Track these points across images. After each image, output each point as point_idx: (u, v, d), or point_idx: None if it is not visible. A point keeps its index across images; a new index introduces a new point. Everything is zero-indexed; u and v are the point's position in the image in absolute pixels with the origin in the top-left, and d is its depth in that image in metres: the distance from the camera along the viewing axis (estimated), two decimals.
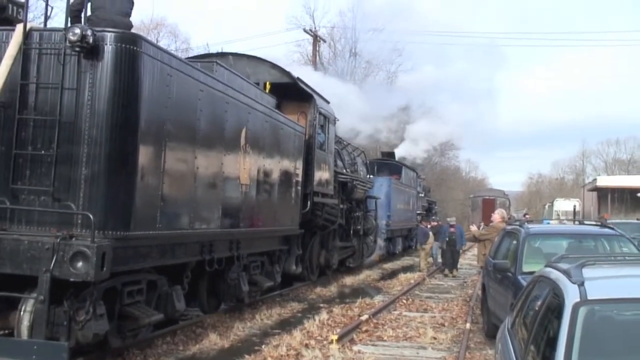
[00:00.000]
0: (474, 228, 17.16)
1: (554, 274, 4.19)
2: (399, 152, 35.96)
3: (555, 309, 3.74)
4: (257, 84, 12.41)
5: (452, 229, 21.67)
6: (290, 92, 14.00)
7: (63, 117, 6.82)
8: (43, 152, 6.84)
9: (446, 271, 21.34)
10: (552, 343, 3.39)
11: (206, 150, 8.92)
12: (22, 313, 6.48)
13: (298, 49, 43.98)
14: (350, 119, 24.09)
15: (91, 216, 6.48)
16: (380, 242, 24.72)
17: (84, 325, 6.56)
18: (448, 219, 24.16)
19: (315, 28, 39.54)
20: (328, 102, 16.30)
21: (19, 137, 6.90)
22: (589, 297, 3.48)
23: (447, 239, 21.46)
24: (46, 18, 7.67)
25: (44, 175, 6.84)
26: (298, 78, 14.46)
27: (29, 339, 6.32)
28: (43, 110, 6.90)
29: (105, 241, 6.62)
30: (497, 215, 13.89)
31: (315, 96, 14.93)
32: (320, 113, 15.00)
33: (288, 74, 14.36)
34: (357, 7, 48.97)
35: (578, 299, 3.47)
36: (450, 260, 21.48)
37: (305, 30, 37.48)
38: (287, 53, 43.24)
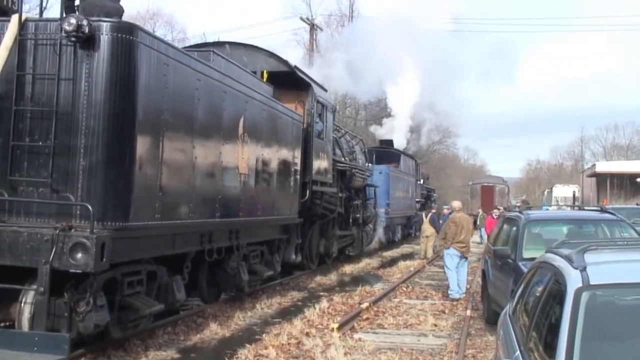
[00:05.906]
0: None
1: (556, 260, 4.17)
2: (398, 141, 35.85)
3: (557, 294, 3.72)
4: (255, 72, 12.36)
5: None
6: (288, 81, 13.94)
7: (60, 107, 6.79)
8: (40, 143, 6.82)
9: None
10: (554, 329, 3.37)
11: (204, 139, 8.88)
12: (22, 305, 6.49)
13: (295, 37, 43.69)
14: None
15: (90, 207, 6.46)
16: (380, 230, 24.71)
17: (84, 316, 6.57)
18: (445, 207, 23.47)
19: (312, 16, 39.26)
20: (326, 91, 16.26)
21: (16, 129, 6.87)
22: (592, 282, 3.45)
23: None
24: (42, 9, 7.64)
25: (41, 166, 6.82)
26: (295, 67, 14.41)
27: (30, 331, 6.34)
28: (40, 101, 6.87)
29: (105, 232, 6.61)
30: (455, 204, 14.20)
31: (313, 85, 14.88)
32: (318, 101, 14.96)
33: (285, 62, 14.30)
34: None
35: (580, 284, 3.45)
36: None
37: (302, 19, 37.21)
38: (285, 42, 42.92)
